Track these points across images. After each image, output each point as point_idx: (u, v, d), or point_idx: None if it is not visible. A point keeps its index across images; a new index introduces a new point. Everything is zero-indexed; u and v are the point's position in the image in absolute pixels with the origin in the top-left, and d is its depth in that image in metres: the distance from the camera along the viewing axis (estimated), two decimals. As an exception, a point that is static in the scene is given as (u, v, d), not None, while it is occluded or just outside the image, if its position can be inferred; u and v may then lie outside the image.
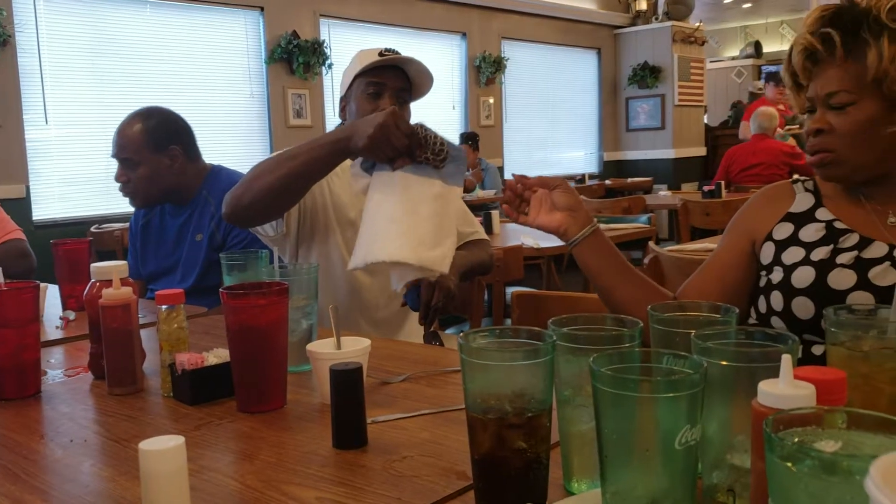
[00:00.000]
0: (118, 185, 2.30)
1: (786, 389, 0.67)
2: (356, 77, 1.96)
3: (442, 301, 1.82)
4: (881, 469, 0.43)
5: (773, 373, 0.73)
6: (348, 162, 2.02)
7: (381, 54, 1.96)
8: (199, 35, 5.96)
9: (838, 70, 1.28)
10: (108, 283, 1.36)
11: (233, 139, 6.12)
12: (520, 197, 1.40)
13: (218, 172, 2.37)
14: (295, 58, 6.31)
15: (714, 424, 0.80)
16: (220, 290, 1.20)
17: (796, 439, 0.57)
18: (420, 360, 1.47)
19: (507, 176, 8.52)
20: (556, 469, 0.89)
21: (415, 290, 1.85)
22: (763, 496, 0.66)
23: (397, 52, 1.99)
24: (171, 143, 2.29)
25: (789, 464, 0.52)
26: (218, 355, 1.29)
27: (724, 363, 0.77)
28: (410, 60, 1.95)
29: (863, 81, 1.25)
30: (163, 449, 0.76)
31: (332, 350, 1.20)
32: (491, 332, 0.85)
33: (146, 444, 0.77)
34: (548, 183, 1.39)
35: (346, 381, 1.01)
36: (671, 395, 0.69)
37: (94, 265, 1.44)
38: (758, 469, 0.68)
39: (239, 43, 6.22)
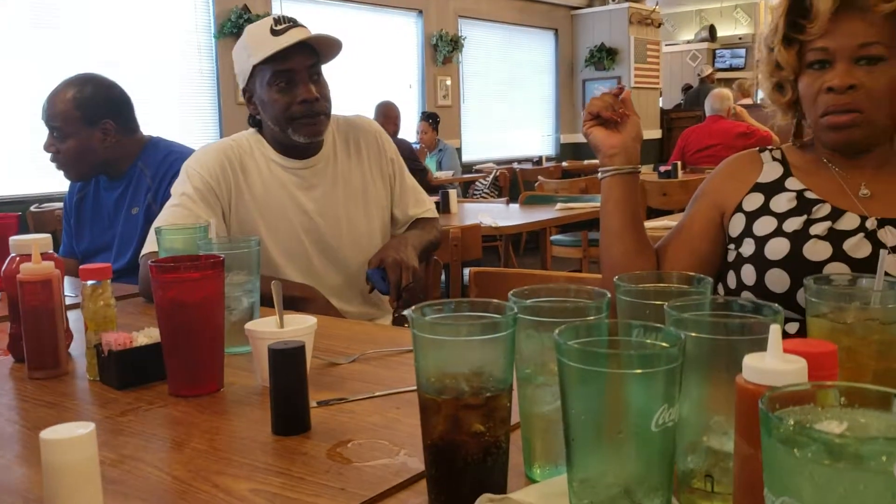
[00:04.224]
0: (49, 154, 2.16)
1: (775, 364, 0.59)
2: (256, 65, 1.77)
3: (412, 281, 1.73)
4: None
5: (756, 346, 0.65)
6: (267, 154, 1.89)
7: (273, 31, 1.74)
8: (146, 8, 5.73)
9: (874, 19, 1.18)
10: (29, 257, 1.24)
11: (181, 116, 5.92)
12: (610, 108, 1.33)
13: (156, 144, 2.24)
14: (246, 33, 6.11)
15: (688, 404, 0.73)
16: (149, 263, 1.09)
17: (793, 420, 0.49)
18: (372, 339, 1.38)
19: (465, 158, 8.43)
20: (516, 454, 0.81)
21: (379, 273, 1.75)
22: (749, 484, 0.59)
23: (290, 21, 1.77)
24: (103, 117, 2.13)
25: (793, 448, 0.44)
26: (149, 335, 1.18)
27: (701, 336, 0.70)
28: (314, 37, 1.76)
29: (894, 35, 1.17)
30: (67, 438, 0.66)
31: (273, 329, 1.11)
32: (446, 306, 0.77)
33: (49, 433, 0.67)
34: (629, 105, 1.34)
35: (287, 361, 0.92)
36: (647, 370, 0.61)
37: (13, 238, 1.32)
38: (743, 454, 0.60)
39: (187, 17, 6.00)
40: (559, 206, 4.02)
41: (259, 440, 0.93)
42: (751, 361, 0.61)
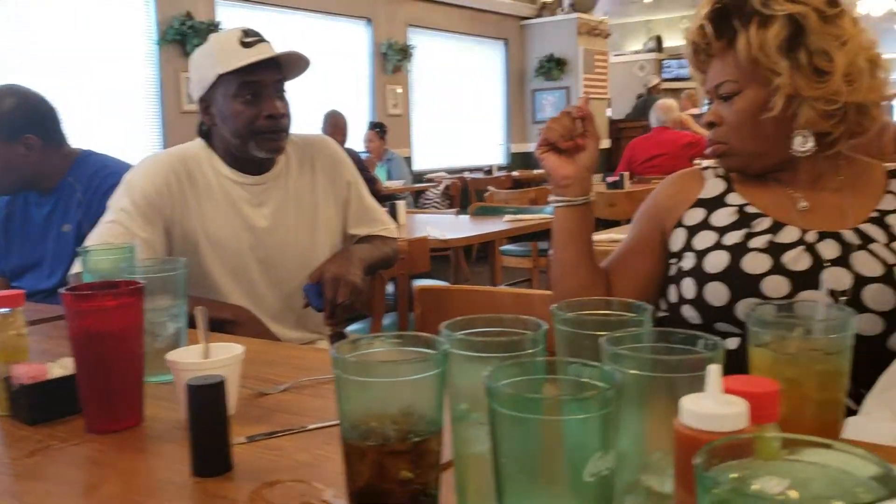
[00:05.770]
0: None
1: (713, 407, 0.56)
2: (222, 75, 1.71)
3: (349, 298, 1.67)
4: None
5: (697, 383, 0.62)
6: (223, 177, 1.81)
7: (243, 42, 1.70)
8: (84, 12, 5.56)
9: (721, 61, 1.27)
10: (-65, 283, 1.16)
11: (121, 124, 5.75)
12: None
13: (87, 158, 2.15)
14: (189, 40, 5.97)
15: (626, 441, 0.69)
16: (61, 290, 1.02)
17: (733, 475, 0.46)
18: (306, 366, 1.32)
19: (416, 167, 8.38)
20: (449, 493, 0.76)
21: (316, 288, 1.68)
22: (688, 536, 0.56)
23: (259, 36, 1.74)
24: (25, 132, 2.03)
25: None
26: (64, 366, 1.11)
27: (639, 373, 0.66)
28: (284, 54, 1.73)
29: (743, 70, 1.23)
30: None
31: (196, 360, 1.04)
32: (372, 340, 0.72)
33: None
34: (590, 124, 1.33)
35: (205, 399, 0.86)
36: (578, 416, 0.57)
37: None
38: (683, 502, 0.57)
39: (128, 23, 5.85)
40: (508, 217, 4.00)
41: (177, 482, 0.87)
42: (688, 404, 0.57)
